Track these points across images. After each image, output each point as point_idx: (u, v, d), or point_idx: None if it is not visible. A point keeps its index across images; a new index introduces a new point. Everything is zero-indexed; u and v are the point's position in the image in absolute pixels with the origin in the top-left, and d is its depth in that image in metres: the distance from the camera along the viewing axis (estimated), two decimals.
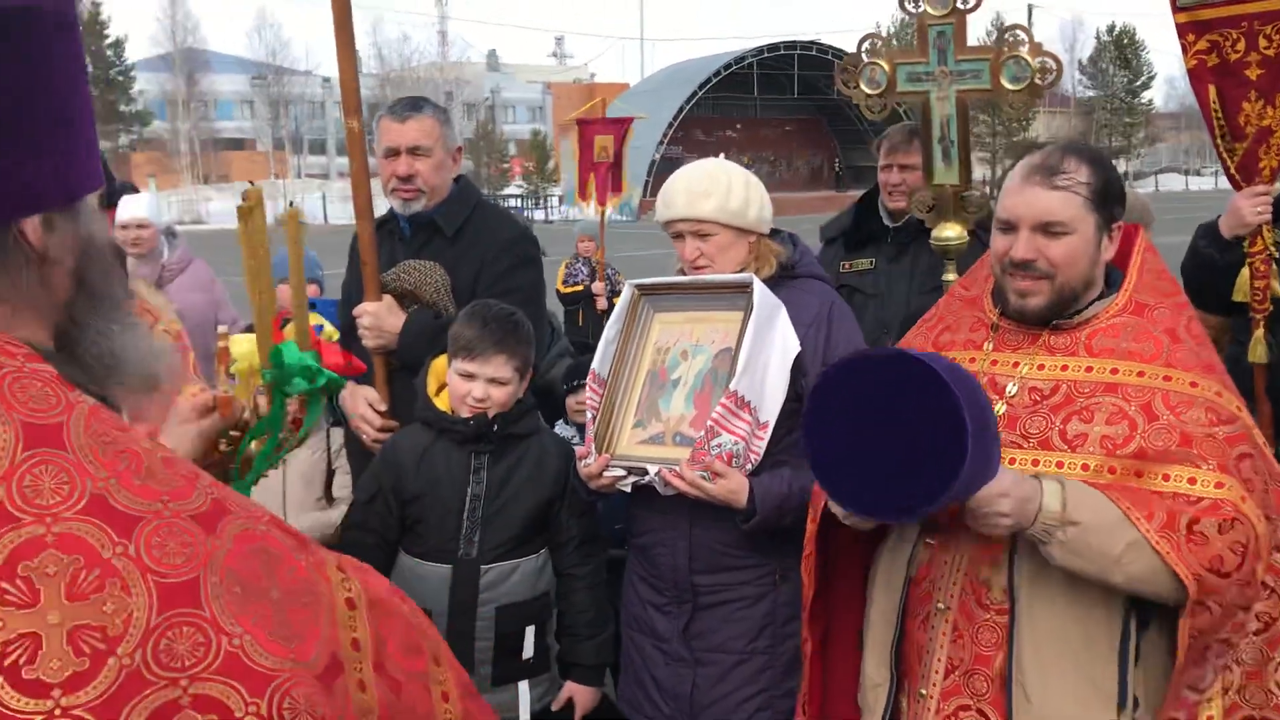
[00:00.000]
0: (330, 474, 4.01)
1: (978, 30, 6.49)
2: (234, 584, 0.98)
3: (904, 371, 1.96)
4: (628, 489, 2.74)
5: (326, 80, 64.08)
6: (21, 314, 1.10)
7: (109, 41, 52.34)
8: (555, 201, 51.98)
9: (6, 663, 0.88)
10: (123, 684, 0.91)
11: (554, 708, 3.03)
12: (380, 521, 2.96)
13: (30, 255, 1.09)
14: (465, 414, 2.93)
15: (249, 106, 65.17)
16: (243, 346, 2.14)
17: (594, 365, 2.87)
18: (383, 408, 3.30)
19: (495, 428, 2.93)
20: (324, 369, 2.19)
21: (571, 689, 3.03)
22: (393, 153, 3.38)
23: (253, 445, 2.16)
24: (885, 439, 1.96)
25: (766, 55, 53.70)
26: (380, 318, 3.24)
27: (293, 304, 2.34)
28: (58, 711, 0.88)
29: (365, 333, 3.25)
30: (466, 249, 3.42)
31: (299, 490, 3.88)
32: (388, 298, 3.28)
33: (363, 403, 3.31)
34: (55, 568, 0.92)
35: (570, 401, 3.96)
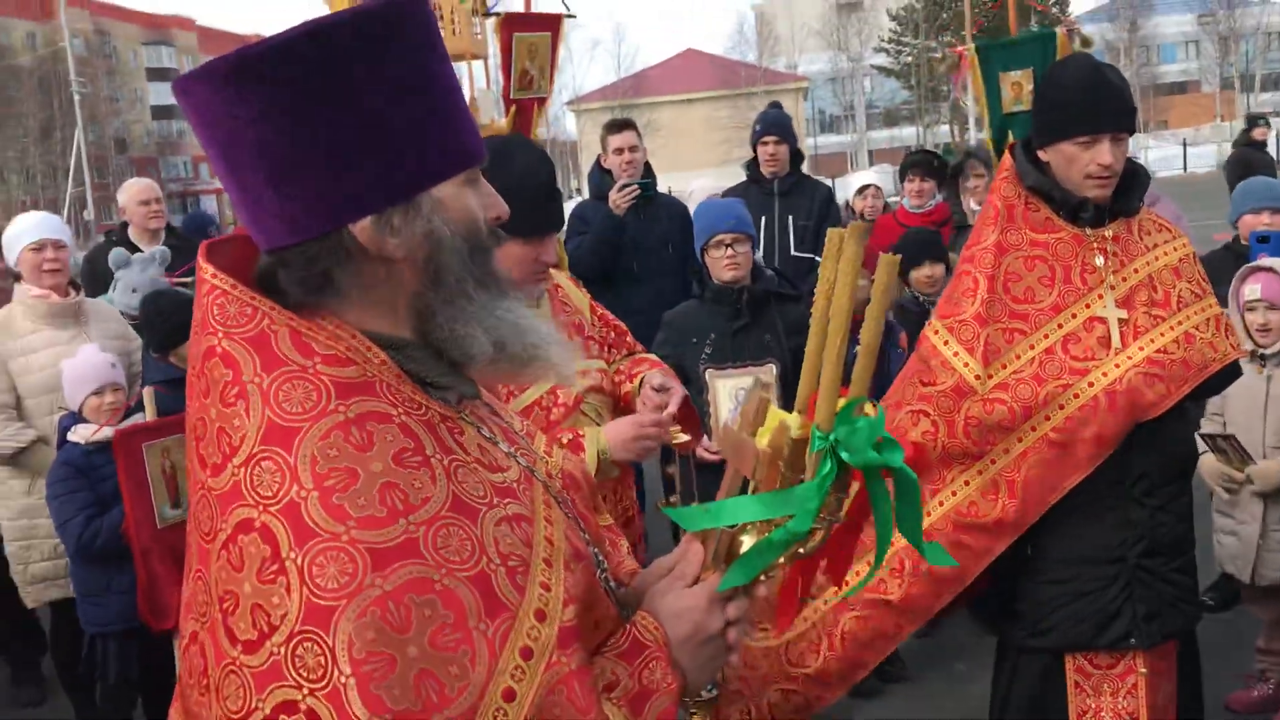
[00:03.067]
0: None
1: None
2: (370, 629, 1.07)
3: None
4: None
5: None
6: (372, 309, 1.26)
7: None
8: None
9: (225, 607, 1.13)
10: (270, 668, 1.09)
11: None
12: None
13: (364, 255, 1.23)
14: None
15: (1194, 47, 62.07)
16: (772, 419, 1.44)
17: None
18: None
19: None
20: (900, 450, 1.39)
21: None
22: None
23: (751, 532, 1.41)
24: None
25: None
26: None
27: (860, 363, 1.41)
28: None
29: None
30: None
31: None
32: None
33: None
34: (254, 550, 1.11)
35: None
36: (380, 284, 1.25)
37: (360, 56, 1.18)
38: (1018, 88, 6.24)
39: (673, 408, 2.82)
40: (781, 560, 1.37)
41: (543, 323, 1.35)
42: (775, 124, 6.08)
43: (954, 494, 2.81)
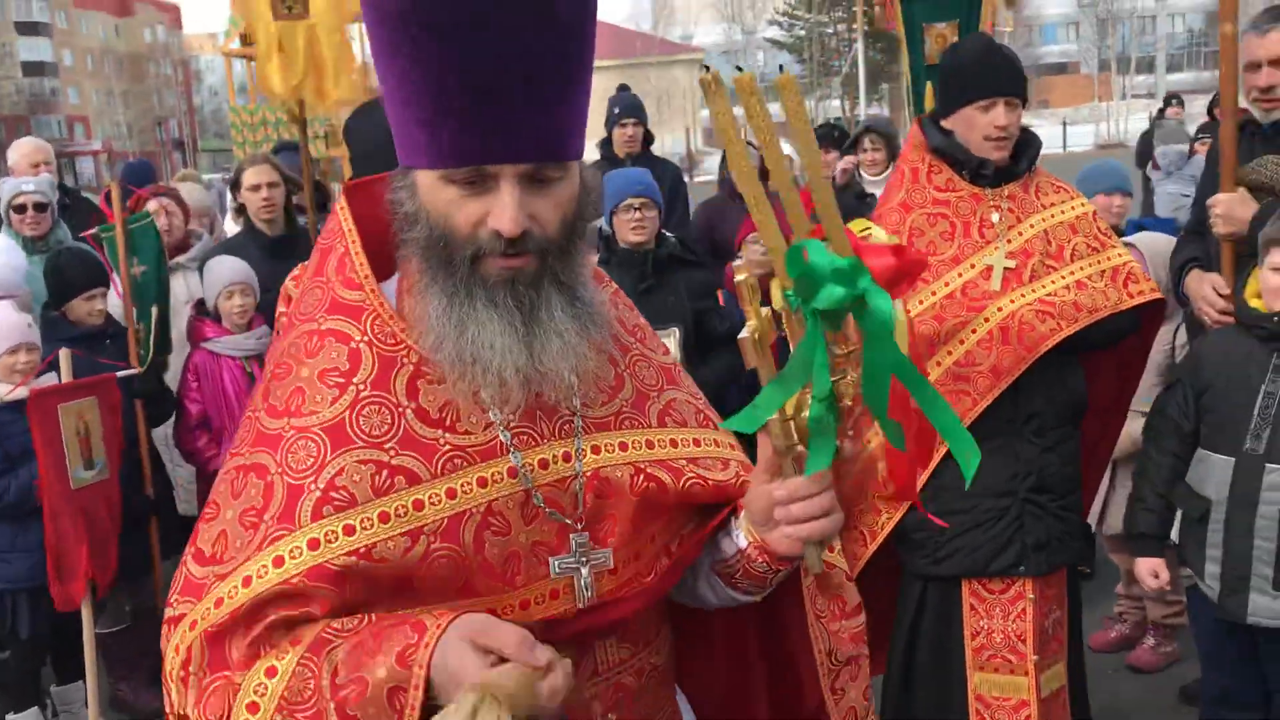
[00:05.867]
0: (1174, 365, 4.29)
1: None
2: (224, 482, 1.39)
3: None
4: None
5: None
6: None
7: None
8: None
9: None
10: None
11: None
12: (1178, 410, 3.13)
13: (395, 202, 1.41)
14: None
15: (1074, 29, 64.07)
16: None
17: None
18: (1226, 291, 3.53)
19: None
20: (867, 272, 1.25)
21: None
22: (1254, 66, 3.57)
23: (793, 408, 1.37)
24: None
25: None
26: (1231, 206, 3.47)
27: (812, 186, 1.35)
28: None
29: (1216, 220, 3.50)
30: None
31: None
32: (1242, 189, 3.51)
33: (1208, 286, 3.58)
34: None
35: None
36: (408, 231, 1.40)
37: (382, 33, 1.30)
38: (941, 39, 6.37)
39: None
40: (843, 421, 1.34)
41: (500, 333, 1.35)
42: (632, 107, 6.50)
43: (878, 431, 3.04)
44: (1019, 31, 59.23)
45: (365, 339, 1.39)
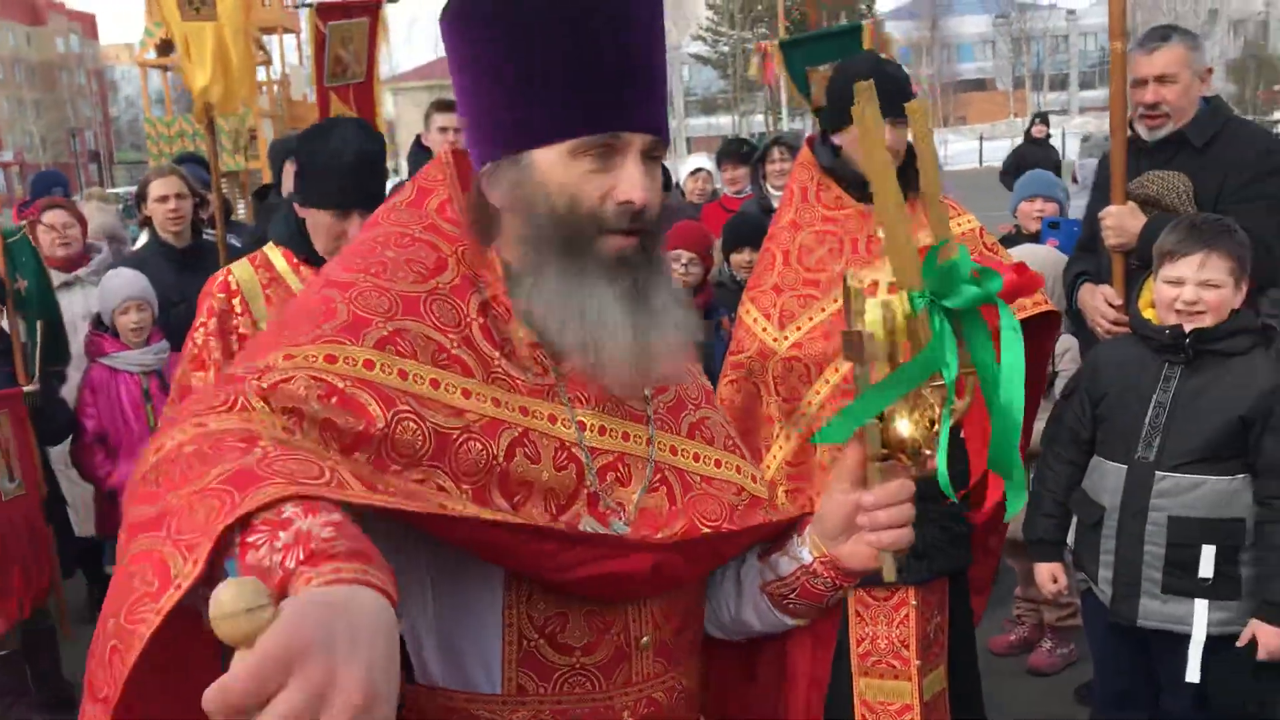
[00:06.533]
0: (1054, 374, 4.40)
1: None
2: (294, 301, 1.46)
3: None
4: None
5: (1071, 13, 62.15)
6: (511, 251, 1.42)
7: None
8: None
9: None
10: None
11: (1239, 644, 2.93)
12: (1074, 418, 3.19)
13: (478, 199, 1.42)
14: (1173, 321, 2.98)
15: (990, 47, 65.55)
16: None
17: None
18: (1118, 302, 3.65)
19: (1189, 340, 2.96)
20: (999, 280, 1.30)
21: (1255, 627, 2.91)
22: (1140, 83, 3.73)
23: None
24: None
25: None
26: (1122, 219, 3.60)
27: (928, 205, 1.41)
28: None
29: (1107, 232, 3.63)
30: (1213, 160, 3.65)
31: None
32: (1131, 203, 3.63)
33: (1099, 297, 3.71)
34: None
35: None
36: (509, 229, 1.41)
37: (479, 15, 1.36)
38: (825, 82, 6.55)
39: None
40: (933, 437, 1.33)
41: (625, 315, 1.36)
42: None
43: (780, 447, 3.08)
44: (939, 50, 60.61)
45: (454, 255, 1.41)
